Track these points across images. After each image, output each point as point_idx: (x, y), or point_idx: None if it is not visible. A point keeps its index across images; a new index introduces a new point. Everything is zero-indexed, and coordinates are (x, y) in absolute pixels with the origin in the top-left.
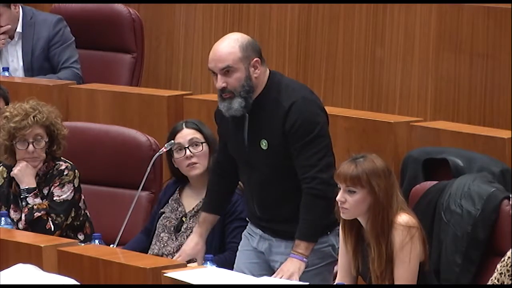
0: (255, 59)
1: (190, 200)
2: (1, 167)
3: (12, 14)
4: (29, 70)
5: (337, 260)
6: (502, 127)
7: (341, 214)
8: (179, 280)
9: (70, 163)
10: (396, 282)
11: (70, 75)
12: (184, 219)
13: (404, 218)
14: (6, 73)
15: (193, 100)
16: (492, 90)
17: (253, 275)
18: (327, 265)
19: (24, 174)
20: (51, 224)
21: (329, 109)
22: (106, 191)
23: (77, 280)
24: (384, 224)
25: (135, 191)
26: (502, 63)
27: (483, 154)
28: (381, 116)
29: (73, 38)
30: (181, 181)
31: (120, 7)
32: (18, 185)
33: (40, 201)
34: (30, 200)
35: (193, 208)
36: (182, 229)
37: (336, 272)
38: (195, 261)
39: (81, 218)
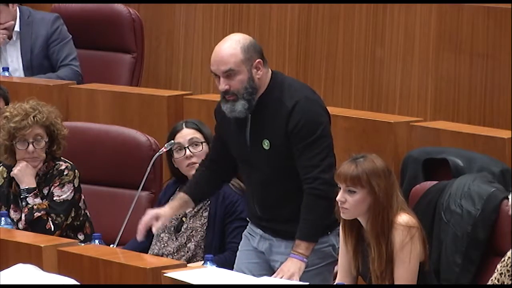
0: (257, 60)
1: None
2: (1, 167)
3: (11, 12)
4: (28, 68)
5: (337, 260)
6: (502, 127)
7: (341, 214)
8: (179, 280)
9: (70, 163)
10: (396, 282)
11: (70, 73)
12: (184, 219)
13: (404, 218)
14: (6, 73)
15: (193, 100)
16: (492, 90)
17: (253, 275)
18: (327, 265)
19: (24, 174)
20: (51, 224)
21: (329, 109)
22: (106, 191)
23: (77, 280)
24: (384, 224)
25: (135, 191)
26: (502, 63)
27: (483, 154)
28: (381, 116)
29: (71, 36)
30: (181, 181)
31: (120, 7)
32: (18, 185)
33: (40, 201)
34: (30, 200)
35: (193, 208)
36: (182, 229)
37: (336, 272)
38: (195, 262)
39: (81, 218)
